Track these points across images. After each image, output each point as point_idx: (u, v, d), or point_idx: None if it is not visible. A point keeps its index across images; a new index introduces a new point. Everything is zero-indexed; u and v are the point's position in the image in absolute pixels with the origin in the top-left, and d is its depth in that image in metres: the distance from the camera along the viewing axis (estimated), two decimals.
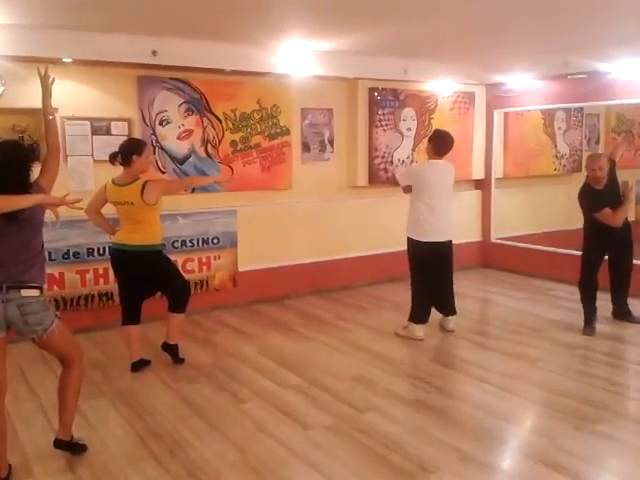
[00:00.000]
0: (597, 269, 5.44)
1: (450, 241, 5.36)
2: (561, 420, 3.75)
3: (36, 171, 3.24)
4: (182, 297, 4.68)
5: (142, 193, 4.30)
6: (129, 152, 4.36)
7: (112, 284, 5.62)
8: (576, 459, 3.28)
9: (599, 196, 5.23)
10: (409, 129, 7.27)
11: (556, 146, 8.54)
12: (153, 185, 4.37)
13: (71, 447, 3.38)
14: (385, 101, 7.02)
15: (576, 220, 6.38)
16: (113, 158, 4.39)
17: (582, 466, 3.22)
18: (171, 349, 4.76)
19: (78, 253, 5.45)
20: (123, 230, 4.51)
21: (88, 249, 5.49)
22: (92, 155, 5.47)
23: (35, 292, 3.10)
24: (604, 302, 5.57)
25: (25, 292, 3.06)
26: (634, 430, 3.63)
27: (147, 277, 4.53)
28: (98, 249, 5.54)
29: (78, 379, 3.37)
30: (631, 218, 5.71)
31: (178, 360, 4.76)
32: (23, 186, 3.06)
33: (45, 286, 3.23)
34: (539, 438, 3.56)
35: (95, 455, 3.38)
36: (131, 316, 4.59)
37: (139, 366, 4.63)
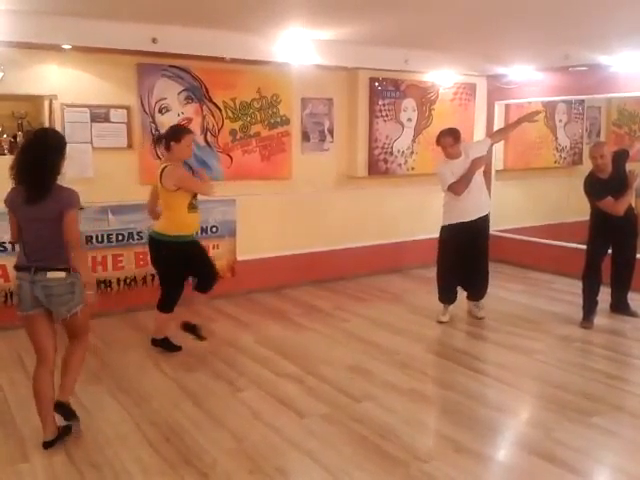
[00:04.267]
0: (600, 261, 5.43)
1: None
2: (557, 412, 3.76)
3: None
4: (209, 282, 4.74)
5: (161, 177, 4.37)
6: (168, 138, 4.46)
7: (110, 272, 5.64)
8: (572, 451, 3.29)
9: (602, 185, 5.22)
10: (409, 120, 7.25)
11: (557, 138, 8.51)
12: (169, 170, 4.38)
13: (67, 410, 3.45)
14: (386, 91, 6.99)
15: (576, 213, 6.39)
16: (159, 141, 4.60)
17: (577, 458, 3.23)
18: (193, 328, 4.85)
19: None
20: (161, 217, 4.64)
21: (87, 237, 5.46)
22: (91, 142, 5.45)
23: (61, 274, 3.20)
24: (602, 295, 5.56)
25: (50, 274, 3.20)
26: (630, 423, 3.64)
27: (162, 265, 4.64)
28: (97, 236, 5.54)
29: (84, 349, 3.59)
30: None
31: (201, 338, 4.88)
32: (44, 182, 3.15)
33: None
34: (535, 430, 3.57)
35: (91, 441, 3.40)
36: (170, 303, 4.74)
37: (160, 343, 4.79)
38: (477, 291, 5.66)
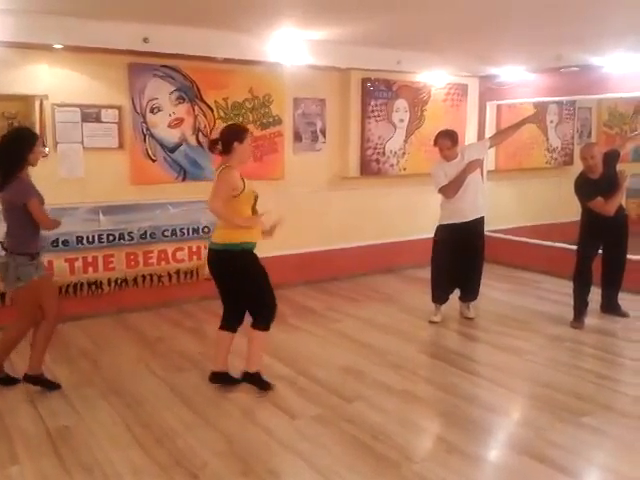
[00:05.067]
0: (591, 261, 5.44)
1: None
2: (547, 412, 3.77)
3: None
4: (264, 311, 4.01)
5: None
6: (230, 139, 3.89)
7: (101, 272, 5.61)
8: (562, 451, 3.30)
9: (592, 185, 5.23)
10: (401, 120, 7.26)
11: (548, 139, 8.55)
12: (229, 173, 3.83)
13: (39, 382, 3.99)
14: (378, 92, 7.00)
15: (567, 213, 6.41)
16: (213, 145, 3.97)
17: (568, 458, 3.24)
18: (252, 378, 4.07)
19: (67, 241, 5.42)
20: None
21: (77, 237, 5.45)
22: (82, 142, 5.43)
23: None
24: (593, 295, 5.57)
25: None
26: (620, 423, 3.65)
27: (228, 279, 3.98)
28: (87, 237, 5.51)
29: (10, 331, 4.03)
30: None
31: (264, 387, 4.05)
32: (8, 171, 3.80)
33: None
34: (525, 430, 3.59)
35: (82, 442, 3.38)
36: (225, 321, 4.10)
37: (219, 379, 4.09)
38: (469, 292, 5.66)
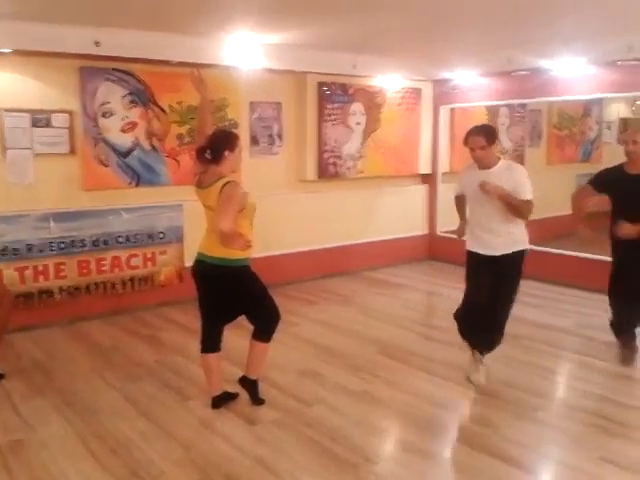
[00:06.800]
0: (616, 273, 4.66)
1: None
2: (502, 409, 3.84)
3: None
4: (267, 324, 3.90)
5: (221, 193, 3.53)
6: (220, 147, 3.60)
7: (52, 281, 5.47)
8: (517, 447, 3.36)
9: (615, 175, 4.40)
10: (358, 124, 7.31)
11: (500, 141, 8.70)
12: (232, 188, 3.51)
13: None
14: (334, 95, 7.03)
15: None
16: (201, 154, 3.63)
17: (523, 453, 3.30)
18: (250, 385, 3.99)
19: (17, 249, 5.27)
20: (205, 237, 3.82)
21: (27, 245, 5.31)
22: (32, 148, 5.30)
23: None
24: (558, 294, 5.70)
25: None
26: (572, 417, 3.74)
27: (224, 296, 3.78)
28: (38, 245, 5.37)
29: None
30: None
31: (257, 400, 3.97)
32: None
33: None
34: (481, 427, 3.64)
35: (34, 456, 3.29)
36: (208, 342, 3.88)
37: (222, 401, 3.91)
38: (481, 340, 4.31)
